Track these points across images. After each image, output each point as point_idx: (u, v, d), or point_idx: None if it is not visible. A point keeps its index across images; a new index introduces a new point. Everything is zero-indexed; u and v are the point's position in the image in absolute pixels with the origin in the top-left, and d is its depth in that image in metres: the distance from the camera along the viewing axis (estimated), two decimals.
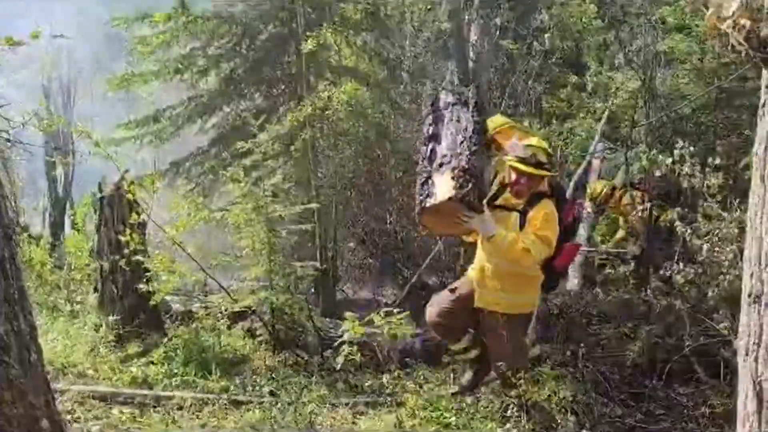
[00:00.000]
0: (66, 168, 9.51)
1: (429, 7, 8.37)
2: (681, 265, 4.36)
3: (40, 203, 9.26)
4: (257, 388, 4.79)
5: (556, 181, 4.87)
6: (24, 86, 9.46)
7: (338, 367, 4.77)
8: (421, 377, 5.06)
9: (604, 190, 7.59)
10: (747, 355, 2.03)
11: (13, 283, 2.60)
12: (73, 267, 6.44)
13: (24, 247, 7.08)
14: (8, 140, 4.93)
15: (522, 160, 3.98)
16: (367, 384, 5.00)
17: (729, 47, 2.08)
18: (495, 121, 4.85)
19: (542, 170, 4.00)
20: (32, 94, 9.61)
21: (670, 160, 4.17)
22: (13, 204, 8.09)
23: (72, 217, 8.43)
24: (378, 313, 4.69)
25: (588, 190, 7.94)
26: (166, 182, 7.95)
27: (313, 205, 6.06)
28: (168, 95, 9.46)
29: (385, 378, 4.83)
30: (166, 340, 5.29)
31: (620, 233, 7.76)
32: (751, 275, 2.01)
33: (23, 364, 2.59)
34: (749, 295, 2.02)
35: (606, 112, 8.32)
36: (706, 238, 4.00)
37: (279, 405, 4.43)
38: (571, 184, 8.07)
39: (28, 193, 9.14)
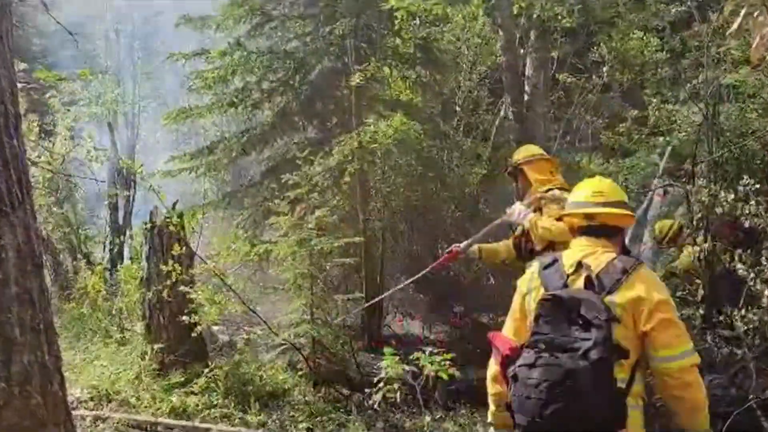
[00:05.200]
0: (126, 198, 9.85)
1: (485, 42, 8.30)
2: (743, 311, 4.04)
3: (101, 232, 9.57)
4: (294, 423, 4.71)
5: None
6: (92, 122, 9.91)
7: (375, 405, 4.64)
8: (465, 418, 4.88)
9: (672, 229, 6.73)
10: None
11: (39, 313, 2.62)
12: (124, 295, 6.56)
13: (82, 275, 7.33)
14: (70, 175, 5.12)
15: None
16: (407, 424, 4.85)
17: None
18: (527, 150, 4.30)
19: None
20: (100, 128, 10.08)
21: (732, 196, 3.87)
22: (77, 233, 8.39)
23: (130, 246, 8.68)
24: (423, 352, 4.55)
25: (652, 228, 7.47)
26: (221, 213, 8.14)
27: (357, 239, 6.00)
28: (229, 125, 9.77)
29: (427, 419, 4.68)
30: (207, 370, 5.28)
31: (685, 260, 6.55)
32: None
33: (45, 394, 2.59)
34: None
35: (669, 147, 7.96)
36: None
37: None
38: None
39: (90, 222, 9.46)
